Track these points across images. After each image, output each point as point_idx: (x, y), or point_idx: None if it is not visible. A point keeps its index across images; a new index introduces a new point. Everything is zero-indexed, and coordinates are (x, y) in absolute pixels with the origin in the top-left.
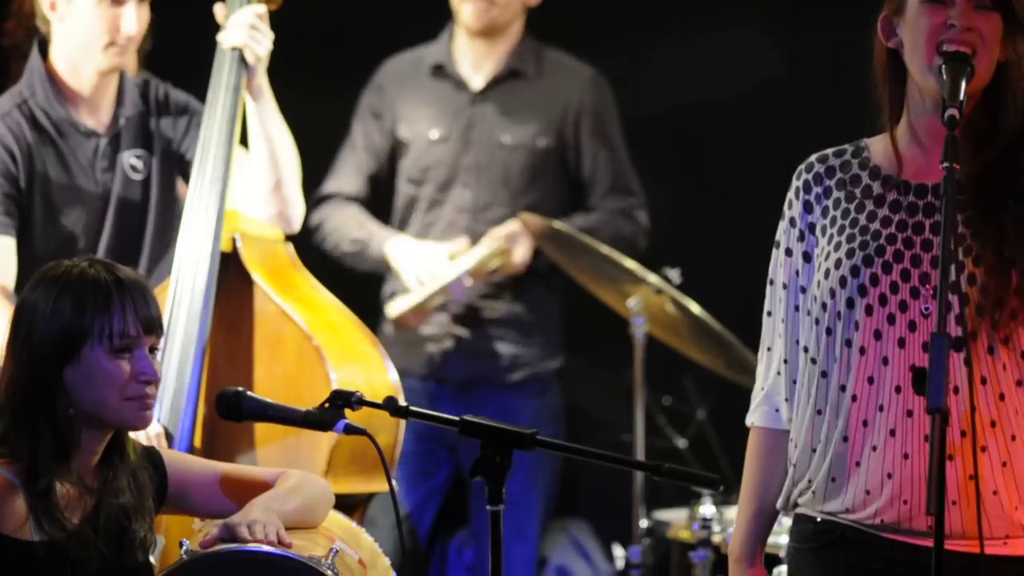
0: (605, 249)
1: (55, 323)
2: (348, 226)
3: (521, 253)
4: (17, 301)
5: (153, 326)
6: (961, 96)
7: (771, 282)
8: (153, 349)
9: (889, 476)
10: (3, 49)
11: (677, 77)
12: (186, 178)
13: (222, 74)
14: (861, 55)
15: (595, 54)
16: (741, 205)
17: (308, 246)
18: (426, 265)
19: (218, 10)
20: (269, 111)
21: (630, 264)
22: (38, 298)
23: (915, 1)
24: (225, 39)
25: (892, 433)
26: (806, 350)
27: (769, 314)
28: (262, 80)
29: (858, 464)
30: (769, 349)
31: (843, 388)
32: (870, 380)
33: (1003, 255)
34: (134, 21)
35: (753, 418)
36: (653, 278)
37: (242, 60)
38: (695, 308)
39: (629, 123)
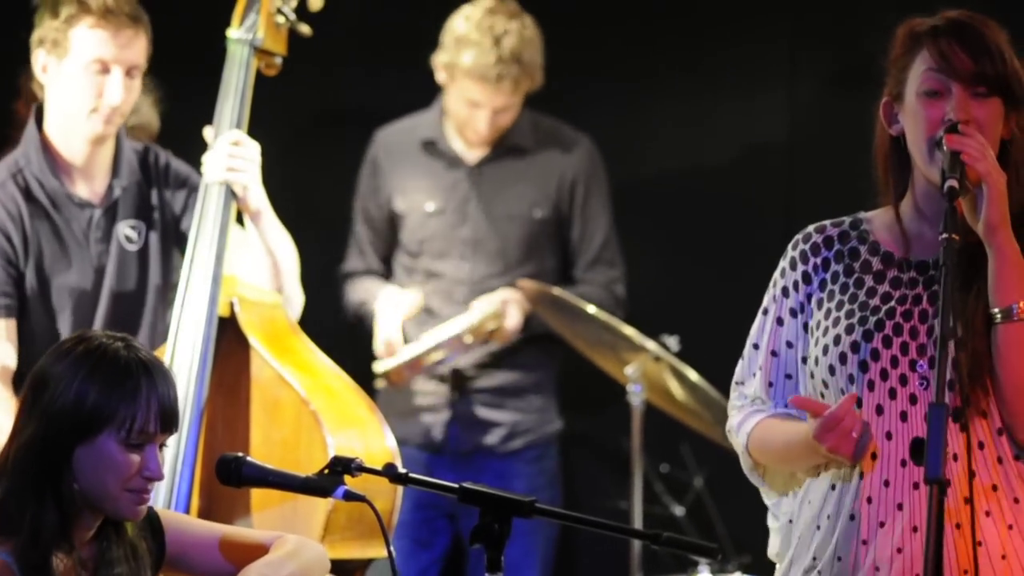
0: (604, 316)
1: (79, 403)
2: (353, 293)
3: (513, 319)
4: (40, 366)
5: (170, 424)
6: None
7: (755, 347)
8: (163, 445)
9: (899, 551)
10: (14, 126)
11: (675, 143)
12: (183, 251)
13: (208, 207)
14: (859, 122)
15: (592, 120)
16: (739, 272)
17: None
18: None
19: (207, 132)
20: (270, 227)
21: (628, 331)
22: (65, 371)
23: (912, 93)
24: (207, 175)
25: (900, 507)
26: None
27: (740, 383)
28: (258, 202)
29: (865, 542)
30: (740, 384)
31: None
32: (873, 456)
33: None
34: (119, 91)
35: (752, 420)
36: (651, 345)
37: (230, 191)
38: (693, 376)
39: (627, 189)
